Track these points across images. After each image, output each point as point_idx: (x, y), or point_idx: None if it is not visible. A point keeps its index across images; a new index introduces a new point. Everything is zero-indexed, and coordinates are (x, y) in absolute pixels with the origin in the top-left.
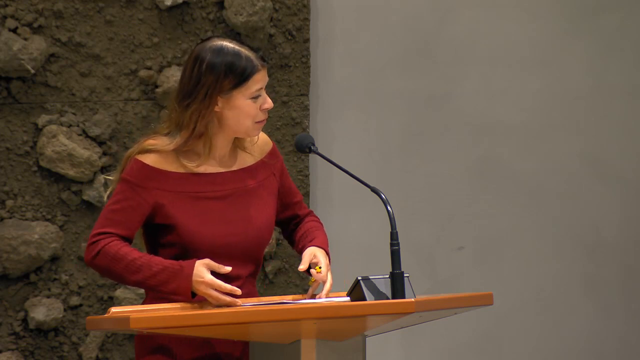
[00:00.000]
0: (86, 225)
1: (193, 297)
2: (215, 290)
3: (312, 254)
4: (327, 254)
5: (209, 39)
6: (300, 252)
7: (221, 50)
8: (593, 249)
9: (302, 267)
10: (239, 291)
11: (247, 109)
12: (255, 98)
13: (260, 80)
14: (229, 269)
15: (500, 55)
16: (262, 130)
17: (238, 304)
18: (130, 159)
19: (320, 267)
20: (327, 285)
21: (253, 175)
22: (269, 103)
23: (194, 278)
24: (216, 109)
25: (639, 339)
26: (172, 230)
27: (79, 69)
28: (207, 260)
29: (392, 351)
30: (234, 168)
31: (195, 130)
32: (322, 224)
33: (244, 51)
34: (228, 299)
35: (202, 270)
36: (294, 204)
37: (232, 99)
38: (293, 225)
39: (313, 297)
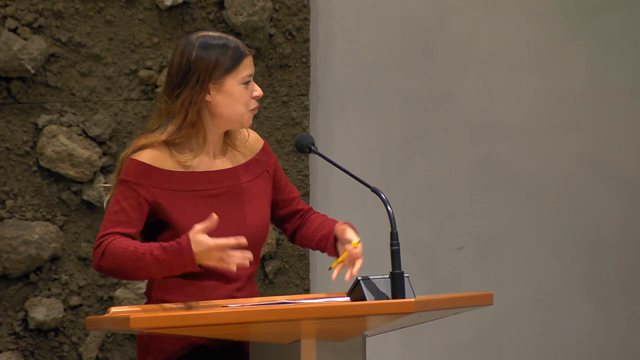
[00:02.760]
0: (86, 225)
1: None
2: (220, 250)
3: (344, 230)
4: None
5: (192, 32)
6: (318, 243)
7: (208, 40)
8: (593, 249)
9: (355, 240)
10: (243, 239)
11: (239, 94)
12: (246, 84)
13: (249, 65)
14: (215, 217)
15: (500, 55)
16: (260, 131)
17: (250, 258)
18: (125, 160)
19: (356, 242)
20: (359, 263)
21: (246, 173)
22: (258, 90)
23: (195, 249)
24: (208, 98)
25: (639, 339)
26: (169, 228)
27: (79, 69)
28: (196, 228)
29: (392, 351)
30: (228, 166)
31: (188, 118)
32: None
33: (230, 38)
34: (238, 255)
35: (201, 238)
36: (291, 199)
37: (224, 85)
38: (299, 219)
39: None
